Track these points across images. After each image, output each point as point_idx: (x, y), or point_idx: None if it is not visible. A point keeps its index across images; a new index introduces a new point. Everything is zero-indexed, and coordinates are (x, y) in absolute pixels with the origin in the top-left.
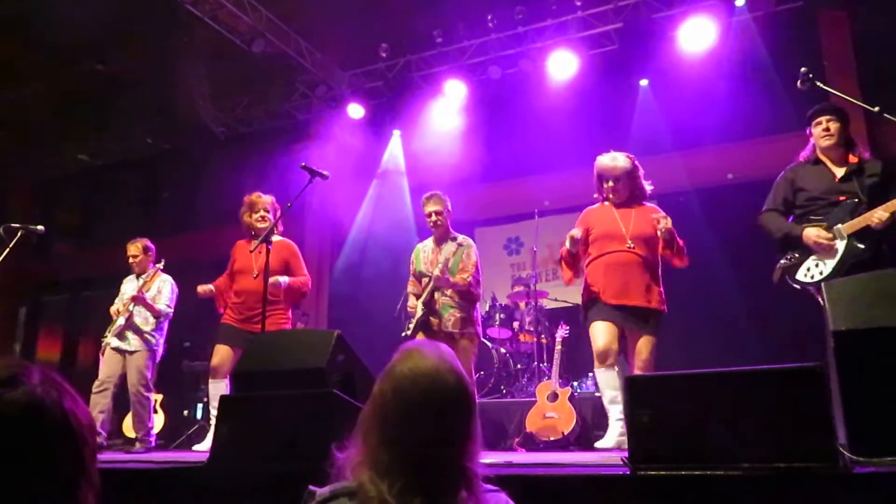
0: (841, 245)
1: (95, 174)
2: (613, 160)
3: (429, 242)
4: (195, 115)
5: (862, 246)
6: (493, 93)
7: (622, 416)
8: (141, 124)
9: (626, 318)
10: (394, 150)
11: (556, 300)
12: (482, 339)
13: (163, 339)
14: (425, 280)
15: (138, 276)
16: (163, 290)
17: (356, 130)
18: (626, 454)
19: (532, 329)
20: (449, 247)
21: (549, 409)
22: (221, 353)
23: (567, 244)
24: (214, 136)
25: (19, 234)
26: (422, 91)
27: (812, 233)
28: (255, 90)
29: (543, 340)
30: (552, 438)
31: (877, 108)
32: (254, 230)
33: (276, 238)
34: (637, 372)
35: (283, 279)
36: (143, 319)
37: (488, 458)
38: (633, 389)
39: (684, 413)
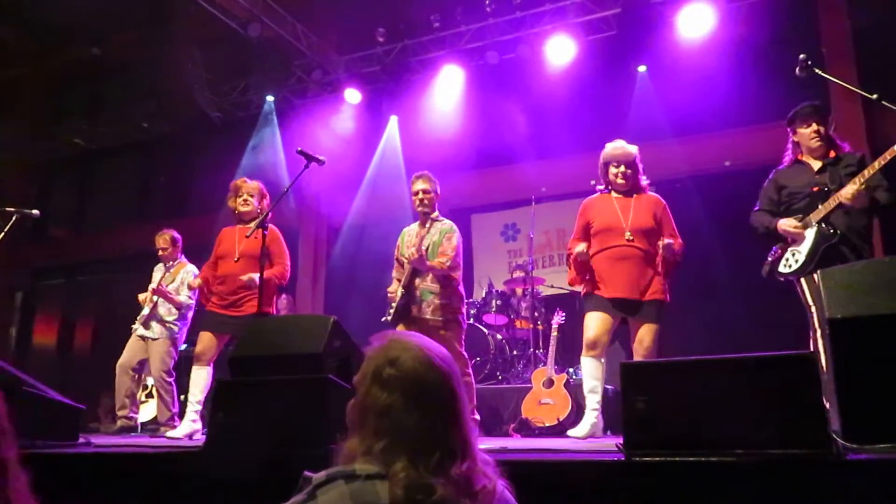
0: (811, 232)
1: (91, 158)
2: (624, 145)
3: (414, 226)
4: (191, 99)
5: (832, 230)
6: (490, 78)
7: (598, 406)
8: (137, 108)
9: (625, 310)
10: (391, 135)
11: (552, 287)
12: (478, 324)
13: (186, 328)
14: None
15: (167, 266)
16: (186, 281)
17: (353, 115)
18: (620, 441)
19: (528, 315)
20: (432, 230)
21: (545, 396)
22: (205, 340)
23: (576, 254)
24: (210, 120)
25: (14, 217)
26: (419, 76)
27: (783, 222)
28: (251, 74)
29: (540, 327)
30: (547, 424)
31: (875, 95)
32: (238, 214)
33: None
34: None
35: (255, 276)
36: (167, 310)
37: (484, 443)
38: (628, 376)
39: (679, 400)
